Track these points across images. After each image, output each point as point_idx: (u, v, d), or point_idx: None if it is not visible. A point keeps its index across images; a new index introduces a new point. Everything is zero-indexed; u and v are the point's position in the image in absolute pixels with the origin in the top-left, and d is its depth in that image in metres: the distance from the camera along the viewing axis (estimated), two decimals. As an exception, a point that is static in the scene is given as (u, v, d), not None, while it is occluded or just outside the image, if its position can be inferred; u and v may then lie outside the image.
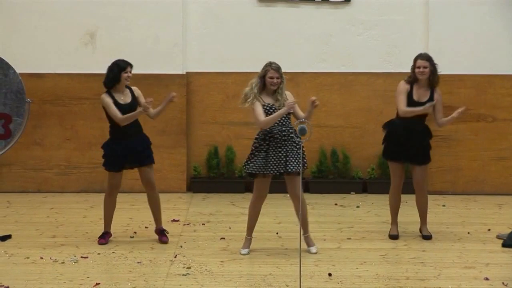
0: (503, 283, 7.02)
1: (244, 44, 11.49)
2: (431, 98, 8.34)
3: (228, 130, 11.52)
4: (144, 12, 11.34)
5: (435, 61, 8.41)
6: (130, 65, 8.21)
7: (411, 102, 8.34)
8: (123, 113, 8.07)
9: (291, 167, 7.70)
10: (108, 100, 8.11)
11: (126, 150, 8.17)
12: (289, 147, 7.73)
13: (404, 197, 8.82)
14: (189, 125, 11.50)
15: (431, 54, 8.51)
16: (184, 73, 11.41)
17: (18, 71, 9.63)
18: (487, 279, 7.15)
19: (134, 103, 8.22)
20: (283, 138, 7.73)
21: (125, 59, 8.21)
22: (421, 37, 11.38)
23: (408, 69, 8.55)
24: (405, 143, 8.38)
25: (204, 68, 11.50)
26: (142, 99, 8.30)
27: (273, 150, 7.74)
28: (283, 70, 7.85)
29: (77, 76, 11.31)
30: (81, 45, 11.33)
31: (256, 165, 7.78)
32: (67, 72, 11.28)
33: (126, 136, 8.17)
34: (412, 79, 8.41)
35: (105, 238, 8.36)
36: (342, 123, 11.58)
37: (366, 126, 11.56)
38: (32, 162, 11.35)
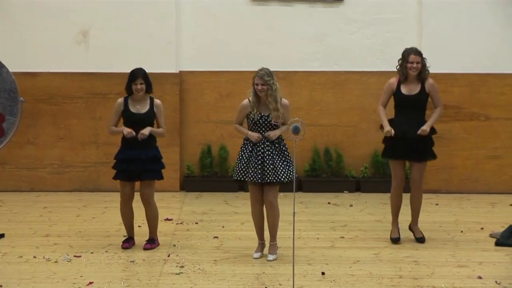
0: (496, 281, 7.03)
1: (237, 43, 11.48)
2: (422, 91, 8.27)
3: (222, 129, 11.50)
4: (137, 11, 11.32)
5: (429, 59, 8.40)
6: (142, 76, 7.94)
7: (400, 96, 8.29)
8: (133, 122, 7.92)
9: (267, 178, 7.60)
10: (115, 105, 8.09)
11: (129, 158, 7.96)
12: (266, 155, 7.64)
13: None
14: (183, 124, 11.48)
15: (424, 52, 8.47)
16: (178, 72, 11.40)
17: (11, 70, 9.57)
18: (480, 277, 7.16)
19: (148, 115, 8.02)
20: (258, 146, 7.65)
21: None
22: (415, 36, 11.36)
23: (403, 69, 8.47)
24: (403, 139, 8.21)
25: (198, 67, 11.48)
26: (159, 115, 8.05)
27: (248, 156, 7.68)
28: (276, 69, 7.78)
29: (70, 75, 11.29)
30: (75, 44, 11.31)
31: (236, 170, 7.77)
32: (60, 71, 11.27)
33: (128, 144, 7.99)
34: (404, 76, 8.32)
35: (129, 242, 8.19)
36: (335, 121, 11.57)
37: (359, 125, 11.56)
38: (25, 161, 11.33)
